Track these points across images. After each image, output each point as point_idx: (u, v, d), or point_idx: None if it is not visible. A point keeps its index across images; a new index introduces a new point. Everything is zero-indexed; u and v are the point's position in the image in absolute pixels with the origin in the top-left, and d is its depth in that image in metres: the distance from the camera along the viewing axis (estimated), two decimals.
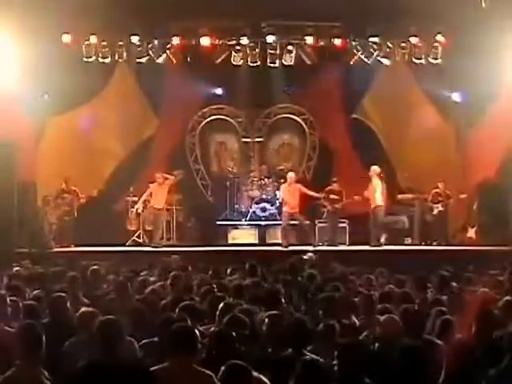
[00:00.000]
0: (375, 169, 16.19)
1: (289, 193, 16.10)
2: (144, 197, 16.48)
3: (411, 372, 4.62)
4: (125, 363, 4.85)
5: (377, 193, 15.99)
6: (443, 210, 16.81)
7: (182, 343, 4.86)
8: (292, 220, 16.07)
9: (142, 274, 9.72)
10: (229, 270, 10.01)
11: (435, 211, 16.87)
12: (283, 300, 7.20)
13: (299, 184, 16.43)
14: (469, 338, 5.56)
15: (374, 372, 4.65)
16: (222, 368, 4.38)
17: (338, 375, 4.55)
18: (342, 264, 11.23)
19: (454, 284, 8.83)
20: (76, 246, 15.98)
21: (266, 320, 6.05)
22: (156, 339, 5.72)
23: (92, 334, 5.68)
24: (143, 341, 5.79)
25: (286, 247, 15.64)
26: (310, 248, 14.87)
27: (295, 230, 17.10)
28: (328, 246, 16.29)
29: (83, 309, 6.34)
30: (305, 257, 11.86)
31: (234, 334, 5.21)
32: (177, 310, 6.25)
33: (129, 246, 16.66)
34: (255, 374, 4.60)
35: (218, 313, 6.26)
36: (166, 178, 16.42)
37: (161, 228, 16.76)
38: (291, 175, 16.33)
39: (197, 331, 5.13)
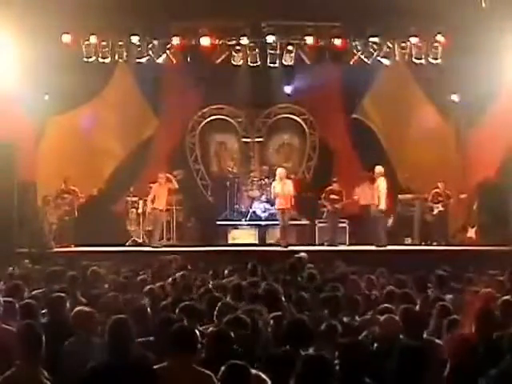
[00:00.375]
0: (380, 169, 16.13)
1: (279, 189, 16.02)
2: (150, 198, 16.45)
3: (411, 372, 4.61)
4: (134, 363, 4.84)
5: (381, 194, 15.95)
6: (443, 210, 16.81)
7: (182, 343, 4.85)
8: (282, 216, 16.02)
9: (141, 274, 9.72)
10: (226, 271, 10.02)
11: (435, 211, 16.87)
12: (283, 300, 7.21)
13: (290, 181, 16.39)
14: (469, 337, 5.55)
15: (374, 372, 4.65)
16: (222, 368, 4.38)
17: (338, 375, 4.54)
18: (343, 264, 11.21)
19: (454, 284, 8.84)
20: (76, 246, 15.98)
21: (271, 321, 6.05)
22: (151, 338, 5.69)
23: (90, 334, 5.69)
24: (138, 340, 5.77)
25: (286, 247, 15.62)
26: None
27: (295, 230, 17.17)
28: (328, 246, 16.28)
29: (78, 308, 6.34)
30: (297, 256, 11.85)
31: (234, 333, 5.20)
32: (177, 310, 6.25)
33: (129, 245, 16.66)
34: (254, 371, 4.60)
35: (217, 313, 6.26)
36: (169, 180, 16.44)
37: (160, 228, 16.75)
38: (281, 171, 16.26)
39: (197, 331, 5.12)
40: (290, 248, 15.30)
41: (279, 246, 15.81)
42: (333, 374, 4.42)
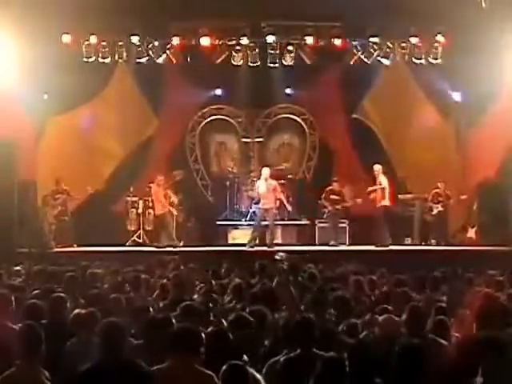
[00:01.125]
0: (379, 167, 16.15)
1: (264, 188, 15.91)
2: (155, 198, 16.48)
3: (413, 371, 4.59)
4: (127, 364, 4.82)
5: (386, 191, 15.98)
6: (443, 210, 16.81)
7: (185, 344, 4.83)
8: (265, 217, 15.96)
9: (142, 274, 9.71)
10: (223, 270, 10.02)
11: (434, 211, 16.87)
12: (282, 300, 7.21)
13: (275, 181, 16.31)
14: (469, 337, 5.55)
15: (383, 372, 4.62)
16: (223, 368, 4.39)
17: (348, 375, 4.53)
18: (343, 264, 11.19)
19: (453, 284, 8.84)
20: (77, 245, 15.99)
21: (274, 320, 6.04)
22: (142, 342, 5.66)
23: (91, 335, 5.68)
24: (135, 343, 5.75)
25: (252, 247, 15.57)
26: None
27: (295, 230, 17.19)
28: (328, 246, 16.24)
29: (76, 311, 6.34)
30: (276, 257, 11.85)
31: (237, 332, 5.20)
32: (177, 310, 6.24)
33: (129, 245, 16.66)
34: (249, 370, 4.60)
35: (218, 313, 6.25)
36: (168, 181, 16.47)
37: (169, 229, 16.62)
38: (266, 171, 16.18)
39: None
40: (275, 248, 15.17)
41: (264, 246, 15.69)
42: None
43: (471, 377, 4.67)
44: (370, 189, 16.19)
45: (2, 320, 5.96)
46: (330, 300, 6.98)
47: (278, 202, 16.17)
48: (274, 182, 16.10)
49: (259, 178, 17.18)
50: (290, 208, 16.55)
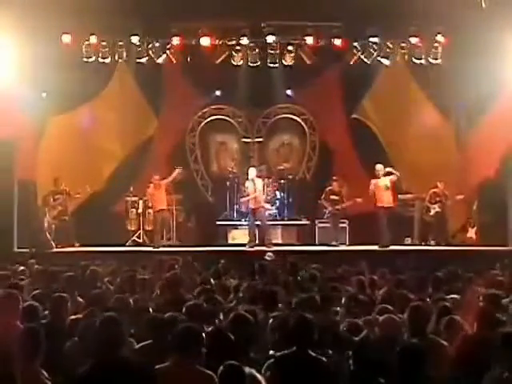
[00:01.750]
0: (380, 166, 16.11)
1: (251, 189, 15.91)
2: (148, 201, 16.52)
3: (414, 372, 4.59)
4: (128, 363, 4.81)
5: (387, 192, 15.95)
6: (440, 210, 16.79)
7: (187, 344, 4.83)
8: (255, 216, 15.95)
9: (141, 274, 9.72)
10: (222, 270, 10.02)
11: (432, 212, 16.86)
12: (283, 300, 7.21)
13: (262, 181, 16.32)
14: (470, 337, 5.56)
15: (387, 372, 4.62)
16: (220, 368, 4.40)
17: (352, 375, 4.52)
18: (344, 264, 11.18)
19: (454, 284, 8.84)
20: (81, 245, 16.00)
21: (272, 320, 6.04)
22: (150, 342, 5.65)
23: (90, 334, 5.68)
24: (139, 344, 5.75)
25: (252, 247, 15.58)
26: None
27: (295, 230, 17.19)
28: (329, 246, 16.23)
29: (73, 317, 6.35)
30: (266, 257, 11.85)
31: (237, 333, 5.20)
32: (178, 311, 6.24)
33: (129, 246, 16.66)
34: (249, 370, 4.60)
35: (218, 313, 6.25)
36: (163, 178, 16.45)
37: (166, 229, 16.70)
38: (253, 171, 16.21)
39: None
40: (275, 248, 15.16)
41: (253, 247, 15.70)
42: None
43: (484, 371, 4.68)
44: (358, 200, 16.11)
45: (10, 319, 5.96)
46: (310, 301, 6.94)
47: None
48: (260, 182, 16.12)
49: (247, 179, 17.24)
50: (268, 207, 16.59)
